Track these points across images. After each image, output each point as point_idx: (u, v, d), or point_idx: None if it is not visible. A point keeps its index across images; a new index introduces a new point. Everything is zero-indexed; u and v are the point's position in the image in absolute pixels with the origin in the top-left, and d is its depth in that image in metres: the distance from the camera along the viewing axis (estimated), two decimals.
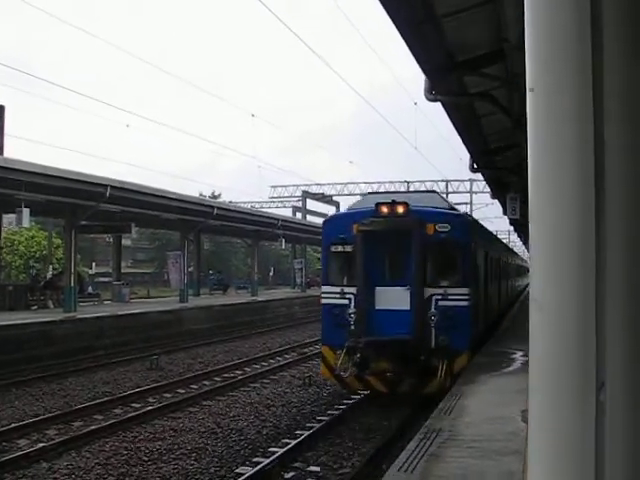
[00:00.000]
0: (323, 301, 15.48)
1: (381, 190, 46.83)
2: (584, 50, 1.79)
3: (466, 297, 14.41)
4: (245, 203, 59.11)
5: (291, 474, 10.53)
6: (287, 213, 57.96)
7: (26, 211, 24.50)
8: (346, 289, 14.86)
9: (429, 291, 14.27)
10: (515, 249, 56.20)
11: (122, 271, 44.27)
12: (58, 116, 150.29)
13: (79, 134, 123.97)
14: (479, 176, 30.56)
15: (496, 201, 31.57)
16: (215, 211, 35.47)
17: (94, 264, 60.70)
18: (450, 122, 13.64)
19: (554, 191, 1.87)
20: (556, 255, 1.84)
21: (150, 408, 15.09)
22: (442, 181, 52.45)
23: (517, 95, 9.90)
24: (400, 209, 14.30)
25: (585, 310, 1.77)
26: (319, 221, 41.98)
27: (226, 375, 20.00)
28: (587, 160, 1.78)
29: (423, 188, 46.30)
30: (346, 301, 14.78)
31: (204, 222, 35.87)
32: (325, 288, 15.62)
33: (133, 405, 15.64)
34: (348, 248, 14.91)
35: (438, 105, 11.95)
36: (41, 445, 11.87)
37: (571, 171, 1.82)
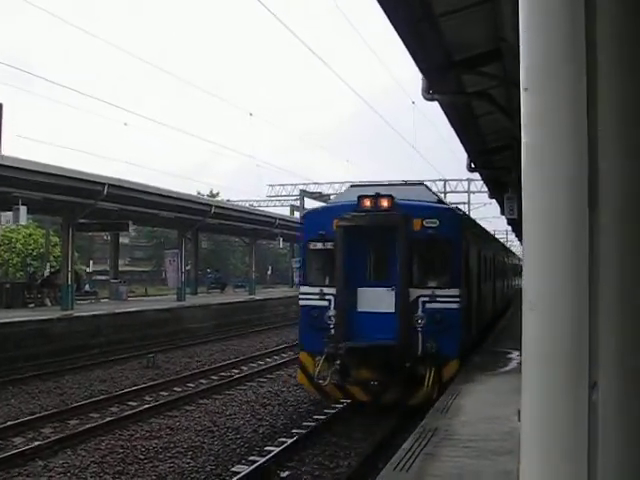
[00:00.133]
0: (301, 303, 14.40)
1: None
2: (578, 50, 1.79)
3: (456, 299, 13.31)
4: (243, 202, 59.09)
5: (287, 473, 10.53)
6: (285, 212, 57.96)
7: (23, 209, 24.47)
8: (326, 290, 13.75)
9: (416, 292, 13.20)
10: (513, 249, 56.20)
11: (120, 269, 44.21)
12: (57, 114, 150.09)
13: (78, 133, 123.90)
14: (477, 176, 30.58)
15: (494, 201, 31.58)
16: (213, 210, 35.46)
17: (92, 262, 60.53)
18: (448, 122, 13.64)
19: (547, 191, 1.87)
20: (549, 255, 1.84)
21: (146, 406, 15.08)
22: (440, 180, 52.46)
23: (515, 94, 9.91)
24: (384, 203, 13.29)
25: (578, 310, 1.77)
26: None
27: (223, 374, 20.00)
28: (581, 160, 1.78)
29: None
30: (326, 303, 13.69)
31: (202, 220, 35.85)
32: (303, 289, 14.47)
33: (129, 403, 15.63)
34: (328, 245, 13.82)
35: (436, 105, 11.96)
36: (37, 443, 11.85)
37: (564, 171, 1.81)
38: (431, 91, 10.13)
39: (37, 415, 14.06)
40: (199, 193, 62.00)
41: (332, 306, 13.56)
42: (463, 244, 14.10)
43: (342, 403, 14.57)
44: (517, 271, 41.01)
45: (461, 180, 52.37)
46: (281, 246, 55.19)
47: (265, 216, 43.78)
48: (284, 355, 24.31)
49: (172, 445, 12.04)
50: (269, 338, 30.30)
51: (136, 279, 68.84)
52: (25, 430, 12.96)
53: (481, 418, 8.85)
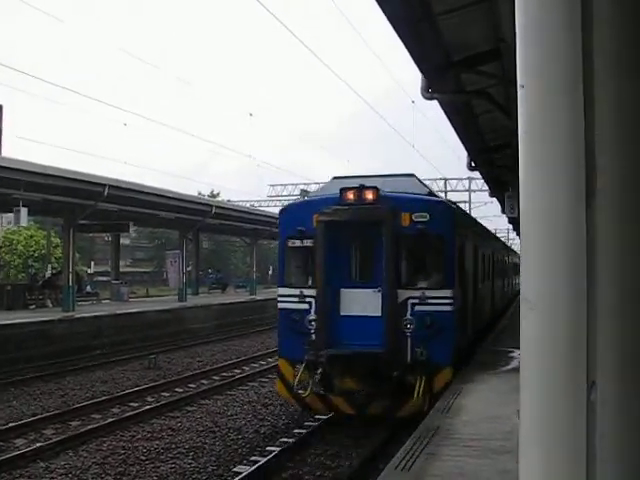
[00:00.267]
0: (280, 306, 13.20)
1: None
2: (575, 47, 1.78)
3: (449, 300, 12.24)
4: (244, 202, 59.07)
5: (289, 472, 10.53)
6: None
7: (24, 210, 24.48)
8: (306, 291, 12.68)
9: (404, 294, 12.16)
10: (514, 247, 56.16)
11: (121, 270, 44.27)
12: (56, 115, 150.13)
13: (77, 133, 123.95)
14: (478, 174, 30.56)
15: (495, 199, 31.57)
16: (213, 210, 35.47)
17: (93, 263, 60.63)
18: (447, 120, 13.62)
19: (545, 189, 1.86)
20: (547, 254, 1.83)
21: (148, 407, 15.10)
22: (440, 179, 52.43)
23: (513, 92, 9.85)
24: (369, 195, 12.23)
25: (576, 309, 1.76)
26: None
27: (224, 374, 20.01)
28: (578, 158, 1.77)
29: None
30: (306, 305, 12.62)
31: (202, 221, 35.86)
32: (282, 290, 13.22)
33: (131, 404, 15.64)
34: (308, 243, 12.75)
35: (436, 104, 11.96)
36: (38, 445, 11.86)
37: (562, 169, 1.81)
38: (430, 90, 10.12)
39: (39, 416, 14.07)
40: (200, 193, 62.06)
41: (313, 309, 12.54)
42: (457, 240, 12.97)
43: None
44: (518, 270, 40.56)
45: (462, 179, 52.37)
46: None
47: (266, 216, 43.76)
48: None
49: (173, 446, 12.04)
50: (270, 338, 30.24)
51: (137, 280, 68.84)
52: (27, 431, 12.98)
53: (482, 417, 8.84)
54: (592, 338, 1.74)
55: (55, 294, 31.18)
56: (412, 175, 14.30)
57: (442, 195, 17.57)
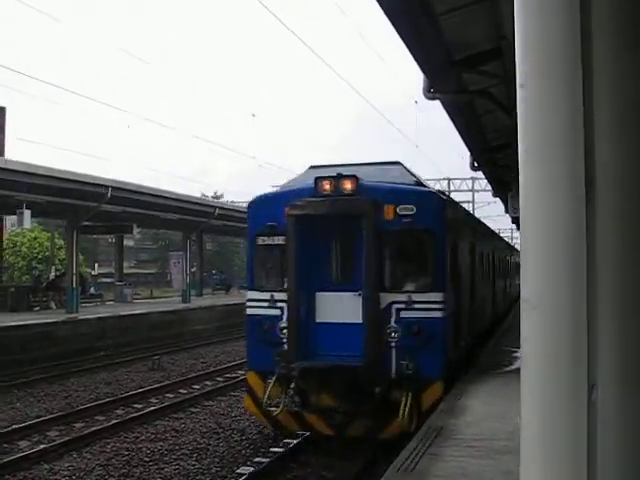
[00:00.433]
0: (248, 312, 11.86)
1: None
2: (573, 46, 1.77)
3: (440, 305, 10.81)
4: (247, 203, 58.95)
5: (293, 474, 10.52)
6: None
7: (27, 212, 24.53)
8: (278, 295, 11.32)
9: (388, 297, 10.78)
10: (517, 247, 56.07)
11: (125, 272, 44.32)
12: (58, 117, 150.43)
13: (80, 135, 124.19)
14: (481, 174, 30.54)
15: (498, 199, 31.54)
16: (217, 211, 35.52)
17: (97, 265, 60.72)
18: (450, 121, 13.60)
19: (545, 188, 1.85)
20: (548, 254, 1.83)
21: (152, 409, 15.10)
22: (444, 179, 52.37)
23: (515, 92, 9.83)
24: (347, 185, 10.89)
25: (576, 310, 1.76)
26: None
27: (228, 375, 20.00)
28: (578, 157, 1.76)
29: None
30: (277, 311, 11.29)
31: (206, 222, 35.90)
32: (250, 294, 11.89)
33: (135, 406, 15.64)
34: (280, 240, 11.35)
35: (439, 104, 11.93)
36: (42, 446, 11.86)
37: (562, 168, 1.80)
38: (432, 90, 10.12)
39: (42, 418, 14.08)
40: (203, 195, 62.09)
41: (285, 315, 11.24)
42: (449, 236, 11.55)
43: None
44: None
45: (465, 179, 52.30)
46: None
47: None
48: None
49: (177, 447, 12.05)
50: None
51: (141, 281, 68.91)
52: (31, 433, 12.99)
53: (485, 417, 8.83)
54: (593, 338, 1.73)
55: (59, 296, 31.21)
56: (398, 163, 12.63)
57: (423, 178, 13.82)
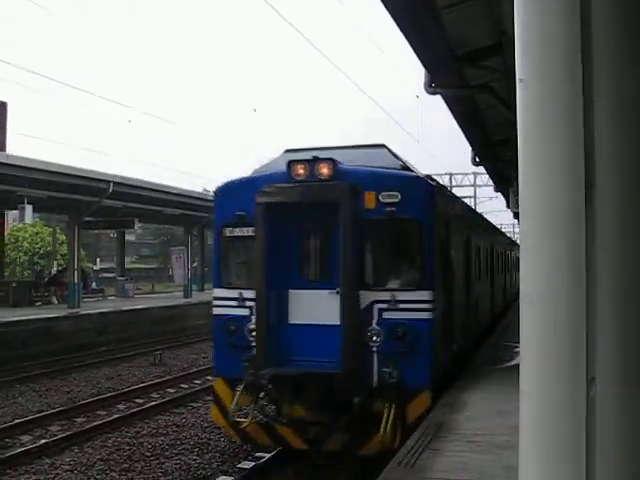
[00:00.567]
0: (214, 311, 10.90)
1: None
2: (573, 40, 1.76)
3: (428, 305, 9.66)
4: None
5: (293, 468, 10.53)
6: None
7: (29, 207, 24.56)
8: (247, 293, 10.20)
9: (369, 296, 9.65)
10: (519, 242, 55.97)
11: (127, 267, 44.37)
12: (61, 112, 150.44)
13: (82, 130, 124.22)
14: (483, 169, 30.53)
15: (500, 194, 31.55)
16: None
17: (98, 260, 60.80)
18: (452, 115, 13.59)
19: (544, 184, 1.85)
20: (547, 250, 1.82)
21: (153, 403, 15.14)
22: (446, 174, 52.32)
23: (516, 86, 9.82)
24: (324, 169, 9.80)
25: (575, 305, 1.75)
26: None
27: None
28: (578, 152, 1.76)
29: None
30: (246, 311, 10.22)
31: (207, 217, 35.88)
32: (217, 292, 10.82)
33: (136, 401, 15.68)
34: (249, 231, 10.20)
35: (441, 99, 11.92)
36: (44, 441, 11.89)
37: (561, 164, 1.79)
38: (433, 85, 10.11)
39: (44, 413, 14.11)
40: (205, 190, 62.08)
41: (255, 316, 10.19)
42: (439, 228, 10.42)
43: None
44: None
45: (467, 174, 52.26)
46: None
47: None
48: None
49: (178, 442, 12.07)
50: None
51: (143, 276, 69.07)
52: (32, 428, 13.01)
53: (487, 412, 8.83)
54: (592, 334, 1.73)
55: (61, 291, 31.28)
56: (383, 145, 11.35)
57: (412, 163, 12.45)
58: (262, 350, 9.84)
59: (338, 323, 9.57)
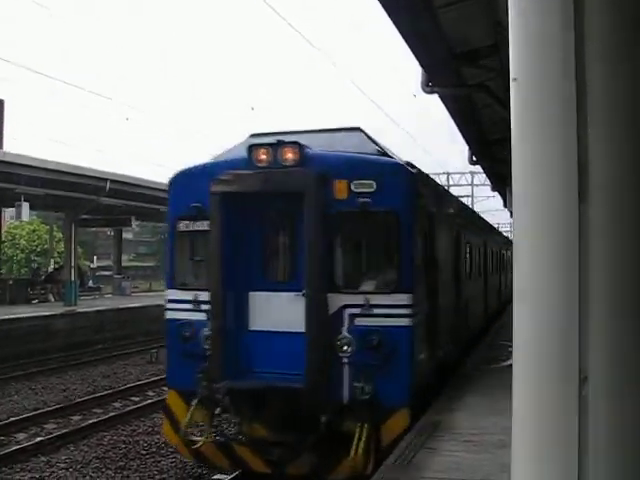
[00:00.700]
0: (167, 315, 9.74)
1: None
2: (567, 40, 1.77)
3: (407, 310, 8.47)
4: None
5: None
6: None
7: (25, 205, 24.53)
8: (203, 295, 9.00)
9: (340, 300, 8.47)
10: None
11: (124, 265, 44.35)
12: (60, 110, 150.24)
13: (79, 128, 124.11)
14: (480, 169, 30.55)
15: (497, 193, 31.57)
16: None
17: (95, 258, 60.78)
18: (448, 114, 13.60)
19: (537, 183, 1.85)
20: (540, 248, 1.83)
21: (149, 402, 15.13)
22: (443, 174, 52.32)
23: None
24: (289, 154, 8.62)
25: (568, 305, 1.76)
26: None
27: None
28: (570, 150, 1.76)
29: None
30: (202, 316, 9.01)
31: None
32: (171, 294, 9.64)
33: (132, 399, 15.67)
34: (205, 225, 9.01)
35: (437, 98, 11.92)
36: (39, 439, 11.87)
37: (554, 163, 1.80)
38: (430, 84, 10.10)
39: (40, 411, 14.08)
40: None
41: None
42: (420, 222, 9.24)
43: None
44: None
45: (464, 173, 52.28)
46: None
47: None
48: None
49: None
50: None
51: (140, 274, 68.97)
52: (28, 426, 12.98)
53: (483, 411, 8.83)
54: (584, 333, 1.73)
55: (57, 288, 31.26)
56: (358, 129, 10.04)
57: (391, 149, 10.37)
58: (217, 360, 8.65)
59: (303, 330, 8.43)
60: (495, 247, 22.25)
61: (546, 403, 1.82)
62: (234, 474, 9.44)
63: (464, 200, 32.19)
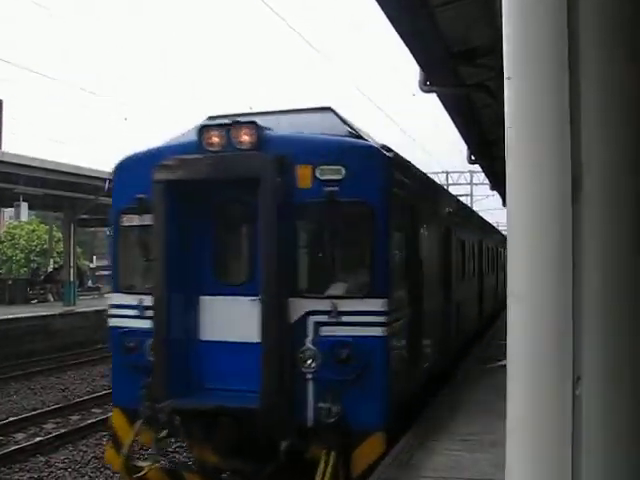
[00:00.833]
0: (110, 322, 8.51)
1: None
2: (560, 39, 1.76)
3: (381, 318, 7.28)
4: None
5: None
6: None
7: (24, 205, 24.54)
8: (148, 300, 7.82)
9: (303, 306, 7.33)
10: None
11: None
12: (59, 110, 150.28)
13: (79, 128, 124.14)
14: (479, 168, 30.55)
15: (496, 192, 31.57)
16: None
17: (94, 257, 60.72)
18: (447, 113, 13.59)
19: (531, 183, 1.85)
20: (534, 248, 1.82)
21: None
22: (442, 173, 52.31)
23: None
24: (244, 136, 7.45)
25: (562, 305, 1.75)
26: None
27: None
28: (564, 150, 1.76)
29: None
30: (148, 323, 7.76)
31: None
32: (115, 298, 8.47)
33: None
34: (151, 219, 7.86)
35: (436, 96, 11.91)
36: (38, 439, 11.89)
37: (548, 163, 1.79)
38: (428, 83, 10.09)
39: (39, 410, 14.11)
40: None
41: None
42: (399, 215, 8.05)
43: None
44: None
45: (463, 172, 52.28)
46: None
47: None
48: None
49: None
50: None
51: None
52: (27, 426, 13.01)
53: (481, 411, 8.83)
54: (578, 334, 1.73)
55: (57, 288, 31.27)
56: (328, 109, 8.77)
57: (365, 131, 9.03)
58: (161, 375, 7.47)
59: (259, 341, 7.25)
60: (492, 245, 20.99)
61: (540, 403, 1.82)
62: None
63: (463, 199, 32.07)
